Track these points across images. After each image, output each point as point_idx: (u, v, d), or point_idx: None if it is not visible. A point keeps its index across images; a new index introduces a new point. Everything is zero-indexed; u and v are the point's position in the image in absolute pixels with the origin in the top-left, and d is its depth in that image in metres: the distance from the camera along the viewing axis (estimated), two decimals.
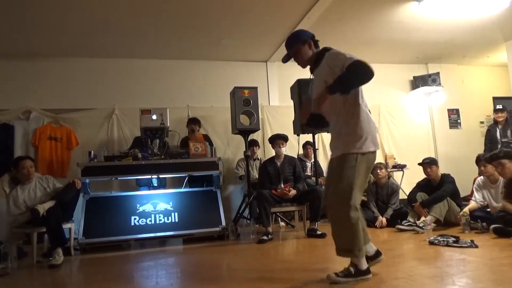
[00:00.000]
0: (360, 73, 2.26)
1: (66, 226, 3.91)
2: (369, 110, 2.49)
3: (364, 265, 2.39)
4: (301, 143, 5.82)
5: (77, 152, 5.41)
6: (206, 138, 5.68)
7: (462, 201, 4.55)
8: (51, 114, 5.66)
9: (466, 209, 4.15)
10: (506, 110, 5.92)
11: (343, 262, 2.46)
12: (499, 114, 5.88)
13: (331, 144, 2.59)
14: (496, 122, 5.96)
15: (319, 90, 2.42)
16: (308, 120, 2.61)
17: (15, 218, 3.84)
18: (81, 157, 4.52)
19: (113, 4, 4.45)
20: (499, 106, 5.98)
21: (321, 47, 2.60)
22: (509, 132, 5.79)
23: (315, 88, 2.57)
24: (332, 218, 2.50)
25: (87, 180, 4.38)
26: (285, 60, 2.65)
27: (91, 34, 5.21)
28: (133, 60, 6.18)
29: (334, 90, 2.30)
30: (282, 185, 4.53)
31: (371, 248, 2.57)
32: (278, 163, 4.70)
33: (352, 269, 2.36)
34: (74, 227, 4.09)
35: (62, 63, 5.93)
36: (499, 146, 5.74)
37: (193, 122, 5.54)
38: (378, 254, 2.57)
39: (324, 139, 6.58)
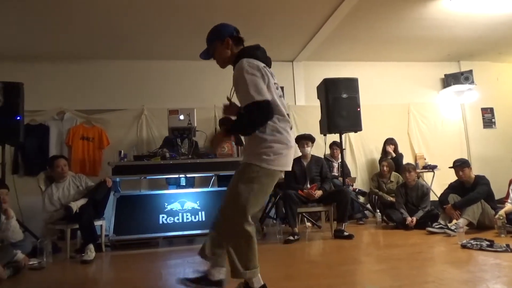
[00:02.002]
0: (257, 119, 2.01)
1: (97, 223, 4.04)
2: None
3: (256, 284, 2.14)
4: (328, 143, 5.76)
5: (108, 151, 5.57)
6: (238, 139, 5.71)
7: (496, 204, 4.37)
8: (83, 115, 5.86)
9: (502, 212, 3.99)
10: None
11: (370, 263, 2.41)
12: None
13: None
14: None
15: (238, 97, 2.15)
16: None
17: (50, 215, 4.00)
18: (112, 156, 4.65)
19: (144, 7, 4.55)
20: None
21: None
22: None
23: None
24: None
25: (118, 179, 4.50)
26: (203, 56, 2.39)
27: (122, 37, 5.35)
28: (162, 62, 6.30)
29: (232, 133, 2.16)
30: (309, 185, 4.50)
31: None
32: (305, 163, 4.67)
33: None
34: (105, 224, 4.21)
35: (94, 65, 6.12)
36: None
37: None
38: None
39: (351, 139, 6.49)
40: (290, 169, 2.15)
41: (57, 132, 5.71)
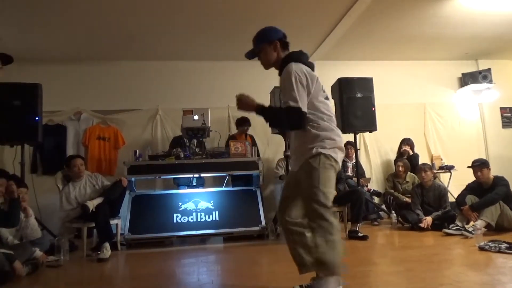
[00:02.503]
0: (287, 123, 2.15)
1: (113, 222, 4.09)
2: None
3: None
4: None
5: (124, 151, 5.63)
6: (252, 139, 5.75)
7: None
8: (100, 115, 5.95)
9: None
10: None
11: (385, 265, 2.39)
12: None
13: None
14: None
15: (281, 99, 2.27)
16: None
17: (67, 213, 4.07)
18: (127, 156, 4.69)
19: (159, 8, 4.59)
20: None
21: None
22: None
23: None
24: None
25: (133, 178, 4.55)
26: (249, 56, 2.46)
27: (137, 38, 5.41)
28: (176, 62, 6.35)
29: (260, 114, 2.21)
30: None
31: None
32: None
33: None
34: (120, 223, 4.26)
35: (110, 66, 6.20)
36: None
37: (248, 124, 5.63)
38: None
39: (366, 139, 6.42)
40: (339, 165, 2.23)
41: (74, 132, 5.81)
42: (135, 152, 4.57)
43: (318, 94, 2.21)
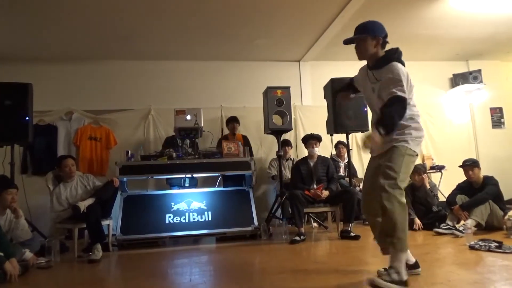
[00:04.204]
0: (399, 109, 2.30)
1: (105, 222, 4.06)
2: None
3: (405, 275, 2.25)
4: (334, 143, 5.74)
5: (116, 151, 5.60)
6: (245, 139, 5.76)
7: (505, 205, 4.33)
8: (91, 115, 5.90)
9: (511, 213, 3.94)
10: None
11: (377, 265, 2.40)
12: None
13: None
14: None
15: (367, 92, 2.58)
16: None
17: (58, 214, 4.03)
18: (119, 156, 4.67)
19: (151, 8, 4.57)
20: None
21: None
22: None
23: (365, 88, 2.64)
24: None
25: (125, 179, 4.52)
26: (346, 42, 2.58)
27: (128, 38, 5.38)
28: (168, 62, 6.33)
29: (388, 132, 2.28)
30: (315, 186, 4.49)
31: (411, 258, 2.52)
32: (311, 163, 4.66)
33: (395, 275, 2.22)
34: (112, 224, 4.23)
35: (102, 66, 6.16)
36: None
37: (235, 121, 5.64)
38: (417, 265, 2.50)
39: (358, 139, 6.46)
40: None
41: (65, 132, 5.76)
42: (127, 152, 4.55)
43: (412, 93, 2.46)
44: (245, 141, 5.71)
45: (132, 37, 5.38)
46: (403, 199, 2.31)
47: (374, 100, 2.52)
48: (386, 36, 2.51)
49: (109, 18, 4.78)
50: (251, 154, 5.78)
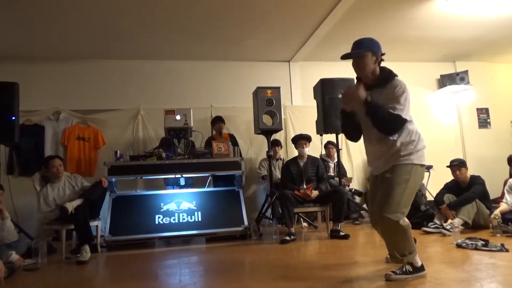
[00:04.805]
0: (392, 127, 2.38)
1: (93, 223, 4.02)
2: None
3: (418, 262, 2.47)
4: (324, 143, 5.76)
5: (104, 151, 5.54)
6: (232, 137, 5.74)
7: (491, 204, 4.40)
8: (79, 115, 5.83)
9: (497, 211, 4.02)
10: None
11: (367, 264, 2.42)
12: None
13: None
14: None
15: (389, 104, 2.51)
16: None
17: (45, 215, 3.98)
18: (108, 156, 4.62)
19: (139, 7, 4.54)
20: None
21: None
22: None
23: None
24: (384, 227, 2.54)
25: (113, 179, 4.48)
26: (344, 57, 2.58)
27: (117, 37, 5.33)
28: (158, 62, 6.29)
29: (367, 107, 2.39)
30: (305, 186, 4.50)
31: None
32: (301, 163, 4.68)
33: (408, 267, 2.43)
34: (100, 225, 4.19)
35: (90, 65, 6.09)
36: None
37: (221, 121, 5.63)
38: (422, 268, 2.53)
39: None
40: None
41: (53, 132, 5.67)
42: (116, 152, 4.51)
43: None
44: (233, 140, 5.71)
45: (121, 37, 5.33)
46: (405, 220, 2.44)
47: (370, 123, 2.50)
48: (383, 54, 2.56)
49: (97, 17, 4.73)
50: (240, 154, 5.78)
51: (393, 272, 2.43)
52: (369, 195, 2.78)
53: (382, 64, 2.56)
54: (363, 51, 2.50)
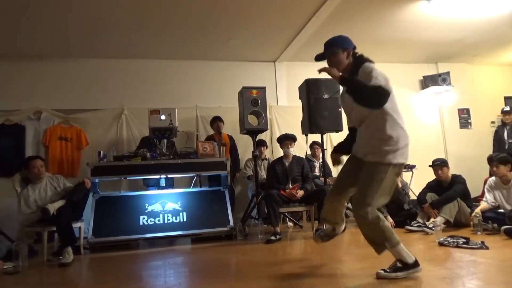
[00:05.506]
0: (376, 97, 2.32)
1: (76, 225, 3.95)
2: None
3: (410, 258, 2.43)
4: (309, 143, 5.79)
5: (87, 152, 5.46)
6: (231, 139, 5.74)
7: (472, 202, 4.50)
8: (61, 115, 5.72)
9: (477, 210, 4.10)
10: None
11: (351, 262, 2.44)
12: (507, 116, 5.83)
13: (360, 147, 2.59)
14: (504, 124, 5.90)
15: (351, 102, 2.45)
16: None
17: (26, 217, 3.89)
18: (91, 157, 4.56)
19: (122, 5, 4.48)
20: (506, 108, 5.93)
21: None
22: None
23: (347, 100, 2.54)
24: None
25: (97, 180, 4.41)
26: (318, 58, 2.64)
27: (101, 35, 5.26)
28: (142, 61, 6.23)
29: (344, 85, 2.43)
30: (290, 185, 4.52)
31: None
32: (287, 163, 4.69)
33: (398, 264, 2.43)
34: (83, 226, 4.13)
35: (72, 64, 5.99)
36: (506, 147, 5.69)
37: (219, 120, 5.63)
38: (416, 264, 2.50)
39: (332, 139, 6.54)
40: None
41: (34, 132, 5.55)
42: (99, 152, 4.44)
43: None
44: (232, 141, 5.71)
45: (103, 34, 5.25)
46: (376, 212, 2.40)
47: (358, 113, 2.51)
48: (355, 48, 2.59)
49: (79, 14, 4.65)
50: (237, 154, 5.78)
51: (383, 270, 2.43)
52: (340, 170, 2.76)
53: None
54: (333, 50, 2.56)
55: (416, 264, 2.44)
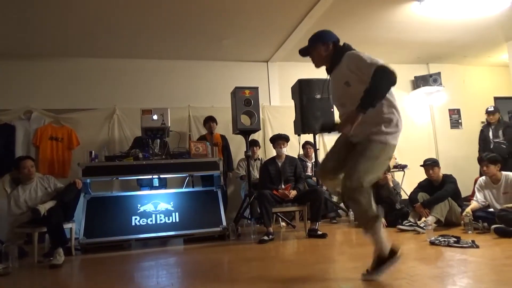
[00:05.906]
0: (387, 80, 2.28)
1: (67, 226, 3.91)
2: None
3: (385, 250, 2.37)
4: (302, 143, 5.81)
5: (78, 152, 5.40)
6: (223, 139, 5.72)
7: (463, 202, 4.54)
8: (52, 114, 5.66)
9: (468, 209, 4.14)
10: (498, 111, 5.95)
11: (344, 262, 2.45)
12: (491, 116, 5.91)
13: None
14: (489, 123, 5.98)
15: (339, 91, 2.49)
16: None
17: (16, 218, 3.85)
18: (82, 157, 4.51)
19: (114, 4, 4.45)
20: (490, 108, 5.99)
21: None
22: (500, 132, 5.81)
23: (335, 90, 2.59)
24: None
25: (88, 180, 4.37)
26: (301, 53, 2.69)
27: (92, 35, 5.22)
28: (134, 60, 6.19)
29: (366, 107, 2.25)
30: (283, 185, 4.52)
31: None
32: (279, 163, 4.70)
33: (376, 260, 2.38)
34: (75, 227, 4.08)
35: (63, 63, 5.94)
36: (491, 146, 5.76)
37: (212, 120, 5.61)
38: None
39: (325, 139, 6.57)
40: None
41: (24, 132, 5.49)
42: (91, 152, 4.40)
43: None
44: (224, 141, 5.70)
45: (95, 34, 5.21)
46: (363, 191, 2.38)
47: (348, 95, 2.43)
48: (337, 40, 2.59)
49: (70, 14, 4.61)
50: (230, 154, 5.76)
51: (366, 270, 2.41)
52: (330, 149, 2.70)
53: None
54: (313, 44, 2.62)
55: (392, 253, 2.38)
